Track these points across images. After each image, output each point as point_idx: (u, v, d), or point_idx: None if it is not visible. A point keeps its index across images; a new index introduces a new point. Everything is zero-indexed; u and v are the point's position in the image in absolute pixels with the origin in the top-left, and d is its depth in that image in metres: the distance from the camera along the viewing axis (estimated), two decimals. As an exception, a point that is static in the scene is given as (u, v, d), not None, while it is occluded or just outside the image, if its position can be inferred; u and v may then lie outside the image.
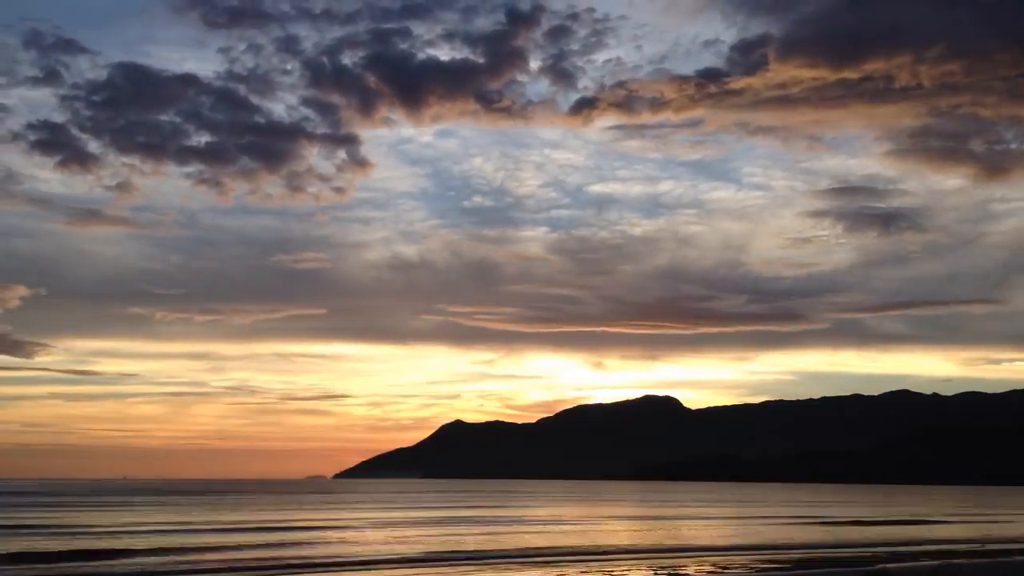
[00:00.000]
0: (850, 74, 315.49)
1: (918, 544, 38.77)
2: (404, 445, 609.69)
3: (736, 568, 27.84)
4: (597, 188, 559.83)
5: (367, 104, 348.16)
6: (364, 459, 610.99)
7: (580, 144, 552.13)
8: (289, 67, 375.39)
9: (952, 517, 66.51)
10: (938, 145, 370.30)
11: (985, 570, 28.03)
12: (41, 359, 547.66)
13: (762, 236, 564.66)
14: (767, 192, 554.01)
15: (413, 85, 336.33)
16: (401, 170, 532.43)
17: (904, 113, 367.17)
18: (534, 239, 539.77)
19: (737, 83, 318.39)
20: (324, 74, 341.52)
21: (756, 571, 27.19)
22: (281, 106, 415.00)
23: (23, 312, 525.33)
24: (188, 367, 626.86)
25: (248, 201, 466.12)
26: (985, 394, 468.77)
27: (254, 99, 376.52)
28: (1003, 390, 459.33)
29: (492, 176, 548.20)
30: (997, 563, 30.05)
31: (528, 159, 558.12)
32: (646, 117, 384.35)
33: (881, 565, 28.57)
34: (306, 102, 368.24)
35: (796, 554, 33.40)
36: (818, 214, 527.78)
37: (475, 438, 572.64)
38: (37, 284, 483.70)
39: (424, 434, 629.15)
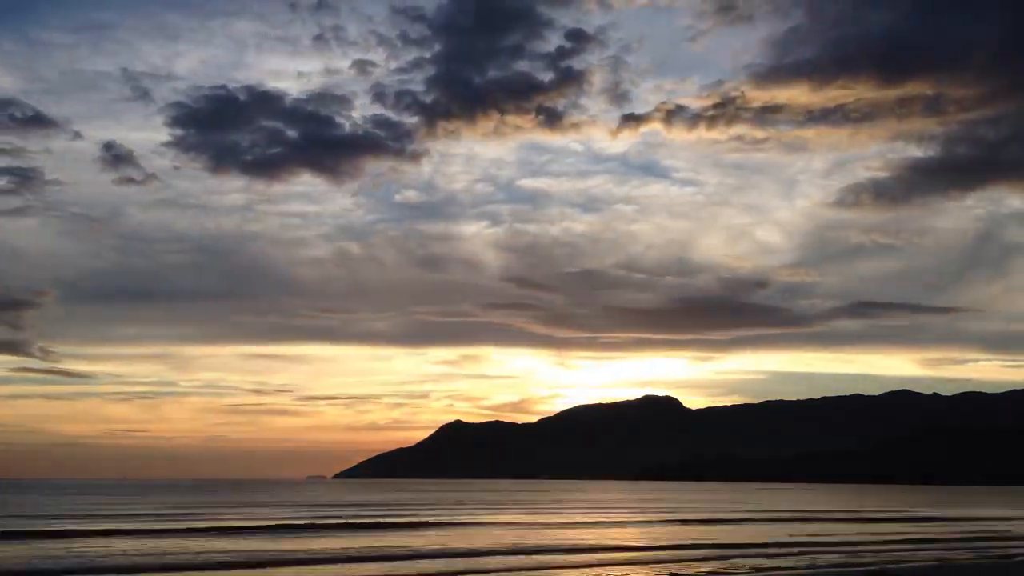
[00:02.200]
0: (879, 93, 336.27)
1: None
2: (404, 445, 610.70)
3: (739, 570, 27.95)
4: (528, 183, 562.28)
5: (431, 120, 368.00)
6: (363, 459, 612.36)
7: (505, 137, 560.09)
8: (361, 87, 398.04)
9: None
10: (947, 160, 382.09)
11: (986, 570, 28.16)
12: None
13: (742, 238, 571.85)
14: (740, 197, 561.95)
15: (476, 102, 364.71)
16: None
17: (916, 128, 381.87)
18: (477, 235, 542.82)
19: (764, 101, 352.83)
20: (392, 93, 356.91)
21: (757, 571, 27.31)
22: (350, 122, 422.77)
23: (54, 318, 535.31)
24: (163, 366, 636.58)
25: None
26: (985, 394, 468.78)
27: (328, 117, 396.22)
28: (1003, 390, 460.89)
29: (418, 170, 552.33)
30: (998, 563, 30.19)
31: (452, 152, 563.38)
32: (681, 133, 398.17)
33: (880, 566, 28.70)
34: (374, 119, 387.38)
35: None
36: (813, 221, 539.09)
37: (476, 438, 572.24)
38: (68, 290, 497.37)
39: (420, 434, 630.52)
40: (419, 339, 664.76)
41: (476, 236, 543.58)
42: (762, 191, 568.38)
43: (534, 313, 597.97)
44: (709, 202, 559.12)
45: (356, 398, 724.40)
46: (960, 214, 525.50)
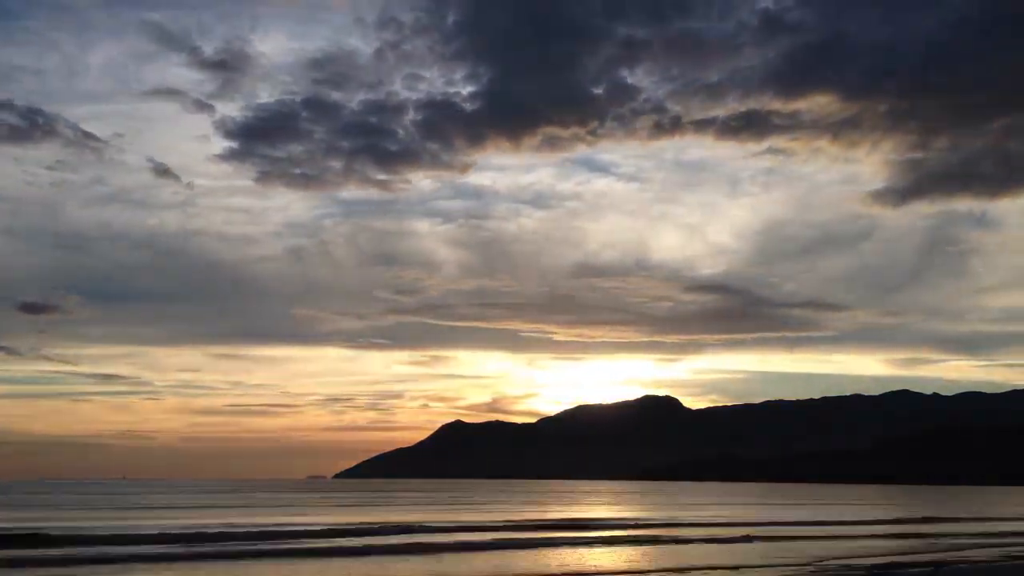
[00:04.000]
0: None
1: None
2: (404, 445, 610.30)
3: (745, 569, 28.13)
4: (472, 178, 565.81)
5: (476, 133, 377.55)
6: (362, 459, 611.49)
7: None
8: (412, 99, 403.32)
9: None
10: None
11: (983, 573, 28.35)
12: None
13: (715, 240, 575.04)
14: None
15: (523, 116, 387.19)
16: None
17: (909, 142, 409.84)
18: (431, 233, 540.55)
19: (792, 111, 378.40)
20: (441, 106, 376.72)
21: None
22: (398, 135, 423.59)
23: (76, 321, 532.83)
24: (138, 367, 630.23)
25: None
26: (985, 394, 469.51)
27: (378, 128, 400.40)
28: (1003, 390, 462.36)
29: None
30: (995, 566, 30.34)
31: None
32: (709, 141, 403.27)
33: (877, 570, 28.88)
34: (423, 130, 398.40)
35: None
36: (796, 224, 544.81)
37: (475, 438, 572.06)
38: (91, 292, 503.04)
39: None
40: (387, 339, 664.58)
41: (430, 233, 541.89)
42: (755, 195, 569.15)
43: (504, 313, 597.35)
44: (657, 200, 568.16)
45: (333, 399, 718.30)
46: (937, 218, 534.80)
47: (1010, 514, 72.42)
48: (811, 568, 28.69)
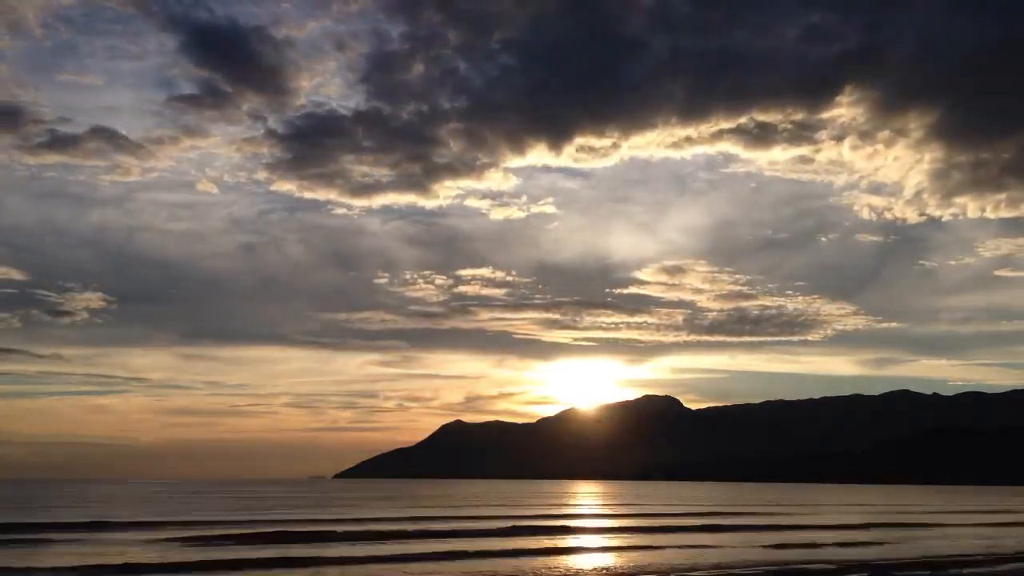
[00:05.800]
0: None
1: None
2: (403, 445, 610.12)
3: (740, 570, 28.19)
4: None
5: (514, 137, 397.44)
6: (362, 459, 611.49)
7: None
8: (452, 105, 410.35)
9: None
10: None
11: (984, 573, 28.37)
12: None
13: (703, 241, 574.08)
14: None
15: (561, 126, 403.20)
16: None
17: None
18: (383, 229, 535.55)
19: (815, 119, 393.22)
20: (478, 111, 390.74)
21: None
22: (438, 140, 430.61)
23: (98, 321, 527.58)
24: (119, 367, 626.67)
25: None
26: (985, 394, 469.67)
27: (418, 132, 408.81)
28: (1003, 390, 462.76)
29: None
30: (993, 572, 30.36)
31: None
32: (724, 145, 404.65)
33: (874, 570, 28.93)
34: (461, 135, 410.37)
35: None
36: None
37: (475, 438, 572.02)
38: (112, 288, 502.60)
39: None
40: (357, 339, 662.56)
41: (383, 230, 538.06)
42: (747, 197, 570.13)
43: (476, 312, 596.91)
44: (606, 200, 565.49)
45: (315, 399, 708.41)
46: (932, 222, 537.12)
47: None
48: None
